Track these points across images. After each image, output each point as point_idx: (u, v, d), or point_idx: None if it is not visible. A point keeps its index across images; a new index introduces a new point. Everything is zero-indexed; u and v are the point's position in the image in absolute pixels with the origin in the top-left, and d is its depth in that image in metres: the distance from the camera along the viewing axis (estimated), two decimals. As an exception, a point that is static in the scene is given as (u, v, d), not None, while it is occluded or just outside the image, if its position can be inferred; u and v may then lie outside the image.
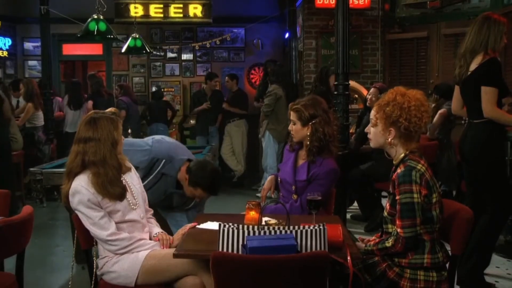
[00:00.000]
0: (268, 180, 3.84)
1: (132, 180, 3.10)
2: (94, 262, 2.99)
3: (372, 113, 2.80)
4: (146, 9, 8.51)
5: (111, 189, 2.88)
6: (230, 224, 2.42)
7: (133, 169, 3.18)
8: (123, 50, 6.85)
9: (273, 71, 7.87)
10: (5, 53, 10.01)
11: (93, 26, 5.18)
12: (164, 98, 9.44)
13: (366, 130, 2.91)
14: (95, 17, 5.23)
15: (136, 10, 8.37)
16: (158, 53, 10.28)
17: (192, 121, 9.81)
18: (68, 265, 4.99)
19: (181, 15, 8.67)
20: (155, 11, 8.53)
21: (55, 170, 4.69)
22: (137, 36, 6.67)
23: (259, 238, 2.28)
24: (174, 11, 8.58)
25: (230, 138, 8.91)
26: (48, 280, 4.69)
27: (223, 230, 2.39)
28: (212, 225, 3.00)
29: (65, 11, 8.69)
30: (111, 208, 2.90)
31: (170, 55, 10.49)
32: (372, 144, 2.90)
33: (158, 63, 10.48)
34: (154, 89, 9.53)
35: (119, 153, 3.02)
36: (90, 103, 8.38)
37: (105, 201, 2.87)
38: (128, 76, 10.48)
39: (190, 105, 9.58)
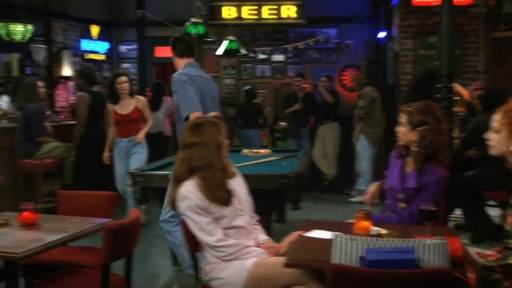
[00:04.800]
0: (373, 185, 3.77)
1: (238, 185, 3.12)
2: (199, 267, 3.03)
3: (496, 118, 2.65)
4: (239, 11, 8.58)
5: (218, 193, 2.91)
6: (344, 234, 2.37)
7: (239, 174, 3.19)
8: (220, 52, 6.94)
9: (368, 73, 7.72)
10: (103, 57, 10.47)
11: (192, 30, 5.27)
12: (256, 100, 9.45)
13: (486, 136, 2.76)
14: (194, 20, 5.32)
15: (229, 12, 8.47)
16: (249, 55, 10.35)
17: (283, 123, 9.80)
18: (165, 266, 5.11)
19: (275, 17, 8.67)
20: (248, 12, 8.58)
21: (155, 173, 4.78)
22: (233, 39, 6.73)
23: (378, 251, 2.21)
24: (268, 13, 8.60)
25: (322, 141, 8.82)
26: (148, 282, 4.79)
27: (338, 241, 2.33)
28: (319, 234, 2.95)
29: (159, 14, 8.97)
30: (218, 214, 2.92)
31: (260, 56, 10.56)
32: (493, 152, 2.75)
33: (248, 65, 10.58)
34: (246, 87, 9.49)
35: (224, 157, 3.05)
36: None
37: (212, 206, 2.90)
38: (219, 78, 10.64)
39: (282, 107, 9.57)
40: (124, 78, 6.25)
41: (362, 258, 2.25)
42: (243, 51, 6.91)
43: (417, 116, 3.42)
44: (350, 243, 2.31)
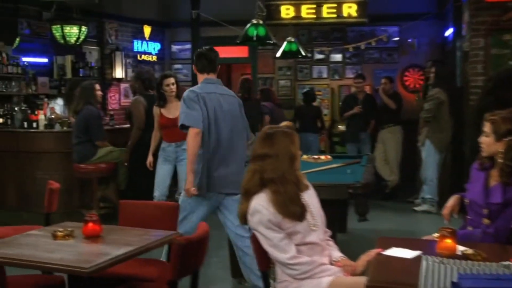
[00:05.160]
0: (452, 198, 3.62)
1: (311, 199, 3.05)
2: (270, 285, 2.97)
3: None
4: (298, 10, 8.49)
5: (291, 207, 2.86)
6: (432, 256, 2.27)
7: (311, 187, 3.12)
8: (278, 54, 6.88)
9: (436, 73, 7.49)
10: (154, 58, 10.58)
11: (252, 32, 5.24)
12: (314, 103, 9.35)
13: None
14: (255, 22, 5.28)
15: (287, 12, 8.43)
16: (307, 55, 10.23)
17: (341, 127, 9.68)
18: (223, 278, 5.08)
19: (335, 15, 8.53)
20: (307, 11, 8.49)
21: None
22: (292, 40, 6.66)
23: (474, 277, 2.09)
24: (327, 11, 8.49)
25: (383, 146, 8.65)
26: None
27: (427, 264, 2.23)
28: (400, 252, 2.85)
29: (213, 14, 9.00)
30: (291, 229, 2.86)
31: (317, 56, 10.43)
32: None
33: (305, 65, 10.48)
34: (305, 89, 9.41)
35: (297, 169, 2.99)
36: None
37: (285, 221, 2.85)
38: (273, 79, 10.59)
39: (340, 109, 9.44)
40: (171, 80, 6.12)
41: (455, 284, 2.13)
42: (303, 53, 6.81)
43: (503, 125, 3.27)
44: (441, 266, 2.20)
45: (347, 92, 10.01)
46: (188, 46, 10.63)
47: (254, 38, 5.25)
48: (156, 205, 3.85)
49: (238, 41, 5.43)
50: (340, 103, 9.78)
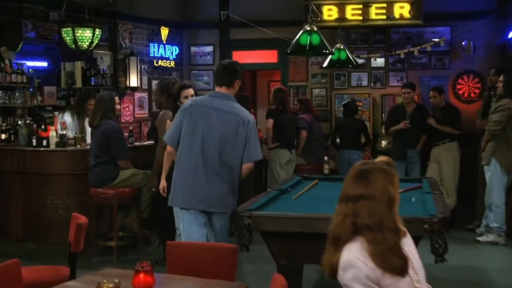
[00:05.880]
0: None
1: (410, 247, 2.81)
2: None
3: None
4: (342, 11, 8.29)
5: (392, 260, 2.62)
6: None
7: (407, 234, 2.89)
8: (325, 64, 6.66)
9: (506, 82, 7.24)
10: (172, 63, 10.38)
11: (305, 40, 5.03)
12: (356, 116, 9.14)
13: None
14: (308, 28, 5.07)
15: (330, 13, 8.23)
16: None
17: (384, 142, 9.46)
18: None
19: (384, 17, 8.34)
20: (352, 12, 8.30)
21: (266, 213, 4.53)
22: (342, 47, 6.44)
23: None
24: (376, 12, 8.28)
25: (437, 165, 8.39)
26: None
27: None
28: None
29: (240, 14, 8.83)
30: (392, 287, 2.63)
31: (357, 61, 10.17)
32: None
33: (342, 72, 10.21)
34: (345, 101, 9.18)
35: (396, 213, 2.77)
36: (270, 122, 8.23)
37: (385, 277, 2.61)
38: (307, 88, 10.35)
39: (385, 123, 9.19)
40: (191, 91, 5.85)
41: None
42: (354, 62, 6.53)
43: None
44: None
45: (391, 102, 9.78)
46: (209, 49, 10.48)
47: (307, 48, 5.02)
48: (210, 247, 3.62)
49: (288, 51, 5.20)
50: (384, 115, 9.56)
